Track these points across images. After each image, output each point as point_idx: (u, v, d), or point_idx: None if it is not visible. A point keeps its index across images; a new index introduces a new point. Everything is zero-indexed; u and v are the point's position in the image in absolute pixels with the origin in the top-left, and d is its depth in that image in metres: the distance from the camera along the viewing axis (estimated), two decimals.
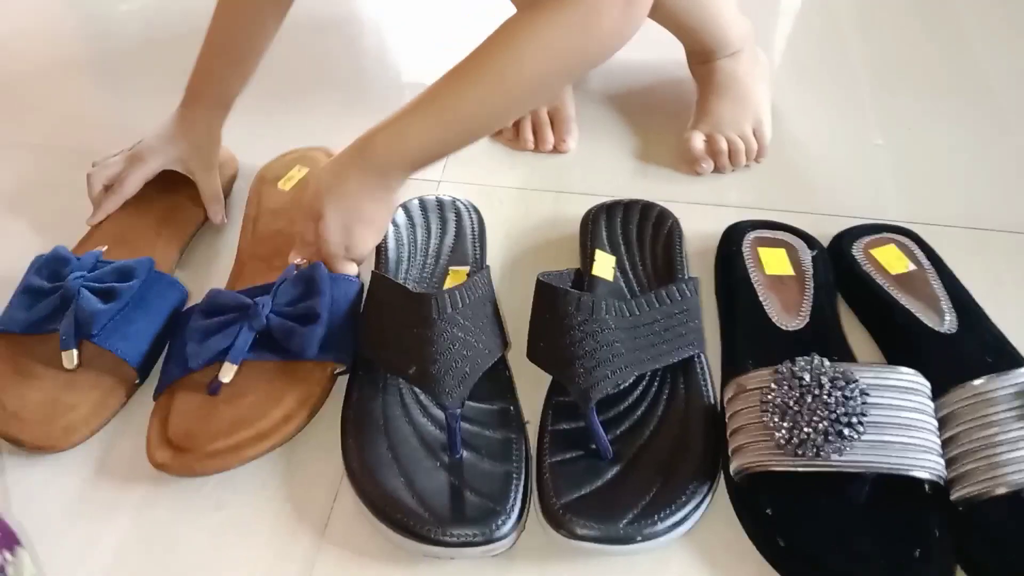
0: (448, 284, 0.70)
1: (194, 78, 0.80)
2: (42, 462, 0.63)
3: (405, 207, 0.78)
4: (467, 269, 0.71)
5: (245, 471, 0.62)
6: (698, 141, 0.86)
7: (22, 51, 1.10)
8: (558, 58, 0.65)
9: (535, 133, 0.89)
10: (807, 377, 0.57)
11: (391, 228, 0.75)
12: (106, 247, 0.72)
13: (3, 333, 0.66)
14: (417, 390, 0.64)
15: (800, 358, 0.58)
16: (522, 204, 0.84)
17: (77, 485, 0.61)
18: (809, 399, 0.56)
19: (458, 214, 0.77)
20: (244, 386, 0.63)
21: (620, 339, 0.61)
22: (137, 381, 0.66)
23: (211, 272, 0.77)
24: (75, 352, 0.64)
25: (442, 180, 0.86)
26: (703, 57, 0.91)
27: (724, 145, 0.86)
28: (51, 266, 0.68)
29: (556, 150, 0.89)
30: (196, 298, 0.71)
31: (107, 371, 0.64)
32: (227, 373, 0.62)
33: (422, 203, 0.78)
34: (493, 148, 0.91)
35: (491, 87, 0.66)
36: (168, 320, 0.68)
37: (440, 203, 0.78)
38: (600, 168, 0.88)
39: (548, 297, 0.64)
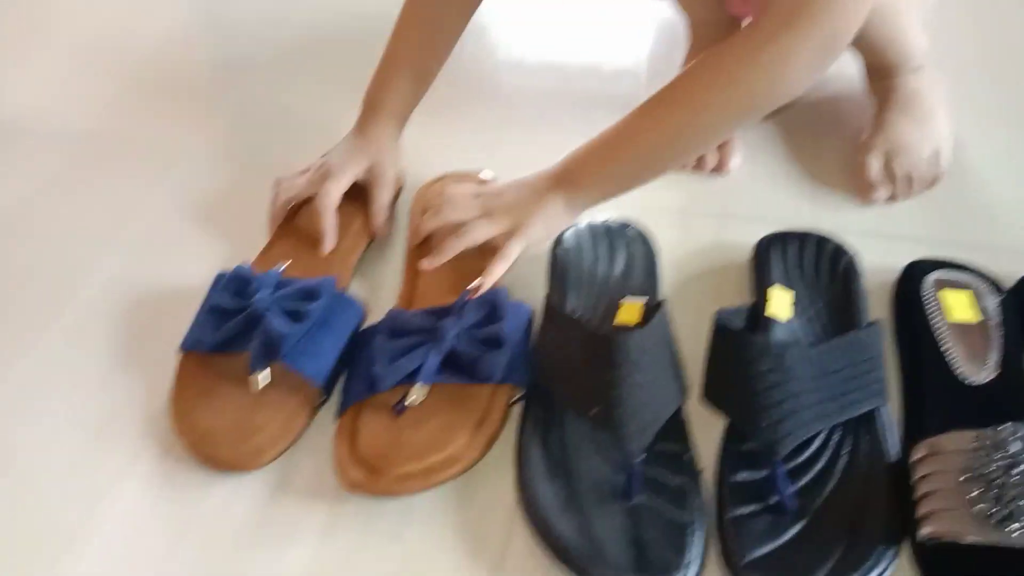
0: (621, 317, 0.69)
1: (373, 91, 0.81)
2: (223, 481, 0.64)
3: (574, 230, 0.77)
4: (642, 302, 0.70)
5: (421, 499, 0.62)
6: (875, 165, 0.83)
7: (181, 54, 1.12)
8: (746, 100, 0.66)
9: None
10: (1014, 447, 0.54)
11: (561, 251, 0.75)
12: (287, 263, 0.73)
13: (192, 352, 0.68)
14: (592, 428, 0.63)
15: (1007, 426, 0.55)
16: (683, 228, 0.82)
17: (259, 505, 0.63)
18: (1015, 471, 0.53)
19: (628, 241, 0.76)
20: (427, 409, 0.64)
21: (807, 389, 0.60)
22: (322, 400, 0.67)
23: (381, 289, 0.78)
24: (265, 373, 0.65)
25: None
26: (884, 72, 0.87)
27: (903, 171, 0.82)
28: (235, 285, 0.70)
29: (717, 171, 0.87)
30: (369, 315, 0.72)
31: (292, 391, 0.66)
32: (417, 395, 0.63)
33: (591, 228, 0.77)
34: None
35: (680, 125, 0.68)
36: (349, 339, 0.69)
37: (608, 228, 0.77)
38: (763, 191, 0.86)
39: (729, 341, 0.63)
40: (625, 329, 0.68)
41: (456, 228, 0.71)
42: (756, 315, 0.69)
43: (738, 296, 0.75)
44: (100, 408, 0.70)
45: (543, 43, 1.10)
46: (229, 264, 0.79)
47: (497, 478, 0.63)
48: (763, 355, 0.60)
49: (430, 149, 0.90)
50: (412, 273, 0.75)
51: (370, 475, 0.61)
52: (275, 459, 0.64)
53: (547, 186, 0.71)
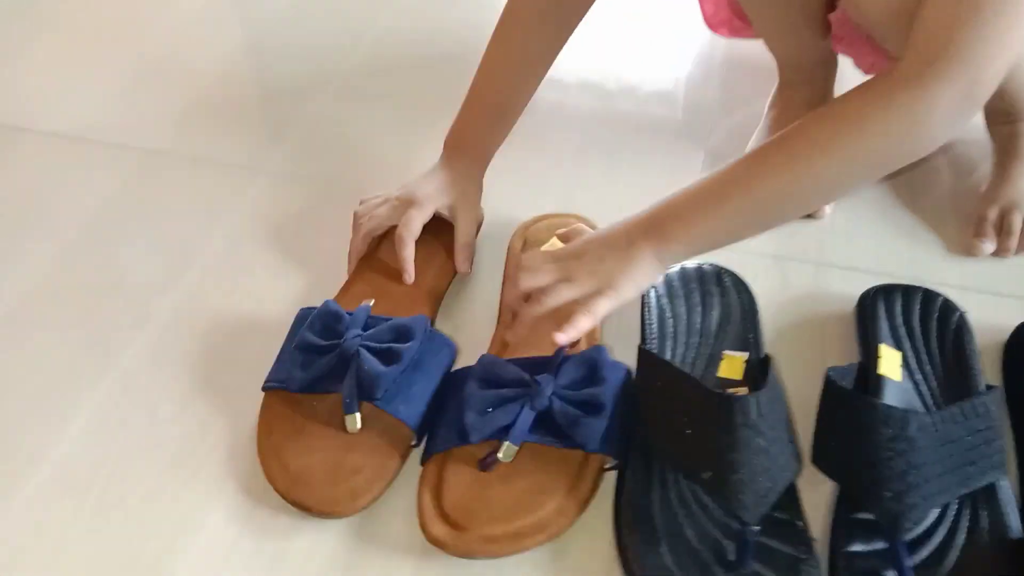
0: (723, 371, 0.67)
1: (457, 131, 0.79)
2: (307, 525, 0.62)
3: (665, 276, 0.74)
4: (744, 356, 0.67)
5: (510, 557, 0.60)
6: (991, 218, 0.79)
7: (252, 77, 1.10)
8: (875, 151, 0.60)
9: None
10: None
11: (654, 297, 0.72)
12: (373, 301, 0.70)
13: (274, 390, 0.66)
14: (696, 488, 0.60)
15: None
16: (778, 275, 0.79)
17: (345, 553, 0.61)
18: None
19: (723, 288, 0.73)
20: (516, 467, 0.61)
21: (929, 460, 0.56)
22: (413, 443, 0.64)
23: (464, 327, 0.75)
24: (359, 415, 0.63)
25: None
26: (1007, 117, 0.83)
27: (1019, 226, 0.79)
28: (323, 321, 0.67)
29: (811, 216, 0.84)
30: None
31: (384, 432, 0.63)
32: (507, 453, 0.60)
33: (683, 274, 0.74)
34: None
35: (796, 176, 0.61)
36: (441, 380, 0.67)
37: (701, 273, 0.74)
38: (862, 238, 0.82)
39: (847, 404, 0.60)
40: (730, 384, 0.65)
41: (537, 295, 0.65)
42: (865, 374, 0.66)
43: (839, 351, 0.72)
44: (176, 438, 0.68)
45: (580, 62, 1.06)
46: (306, 294, 0.78)
47: (590, 537, 0.61)
48: (886, 422, 0.57)
49: (519, 184, 0.88)
50: (505, 318, 0.72)
51: (454, 532, 0.58)
52: (371, 503, 0.61)
53: (633, 240, 0.63)
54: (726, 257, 0.79)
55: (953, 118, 0.58)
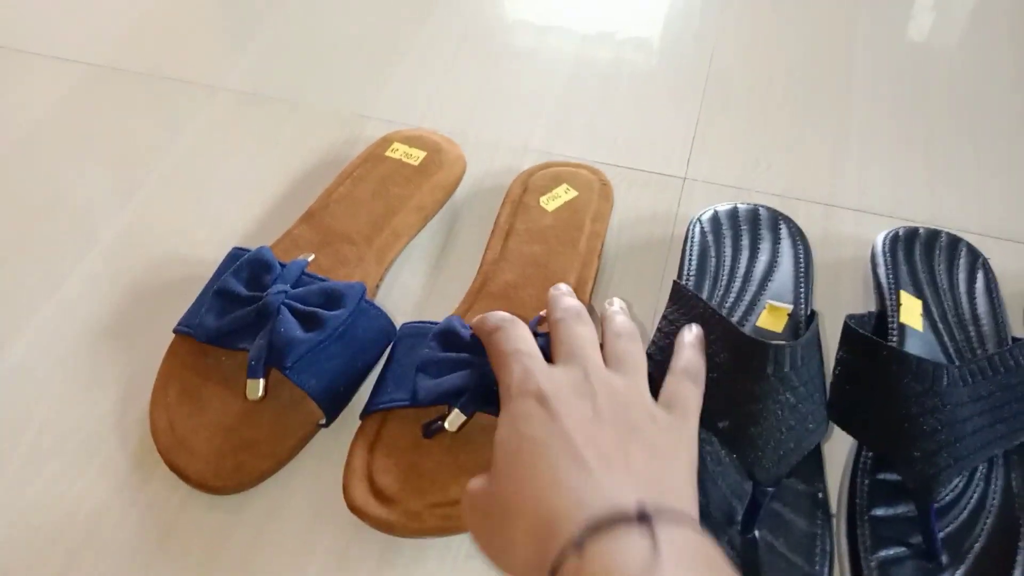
0: (763, 321, 0.60)
1: None
2: (219, 500, 0.54)
3: (715, 212, 0.68)
4: (788, 308, 0.60)
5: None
6: None
7: None
8: None
9: None
10: None
11: (698, 232, 0.66)
12: (313, 256, 0.62)
13: (185, 336, 0.58)
14: (714, 440, 0.55)
15: None
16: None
17: (252, 533, 0.53)
18: None
19: (776, 235, 0.67)
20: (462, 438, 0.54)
21: (963, 417, 0.51)
22: (321, 423, 0.55)
23: (411, 292, 0.66)
24: (262, 382, 0.53)
25: (687, 177, 0.76)
26: None
27: None
28: (252, 269, 0.58)
29: None
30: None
31: (290, 406, 0.55)
32: (453, 421, 0.52)
33: (733, 213, 0.68)
34: (748, 139, 0.79)
35: None
36: (371, 360, 0.58)
37: (755, 216, 0.68)
38: (879, 179, 0.76)
39: (870, 354, 0.54)
40: (768, 336, 0.59)
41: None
42: (883, 323, 0.61)
43: (853, 300, 0.66)
44: (121, 377, 0.61)
45: (556, 7, 0.97)
46: (264, 222, 0.70)
47: None
48: (916, 375, 0.51)
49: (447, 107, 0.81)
50: (485, 272, 0.63)
51: (381, 504, 0.51)
52: (259, 482, 0.54)
53: None
54: (731, 193, 0.73)
55: None
